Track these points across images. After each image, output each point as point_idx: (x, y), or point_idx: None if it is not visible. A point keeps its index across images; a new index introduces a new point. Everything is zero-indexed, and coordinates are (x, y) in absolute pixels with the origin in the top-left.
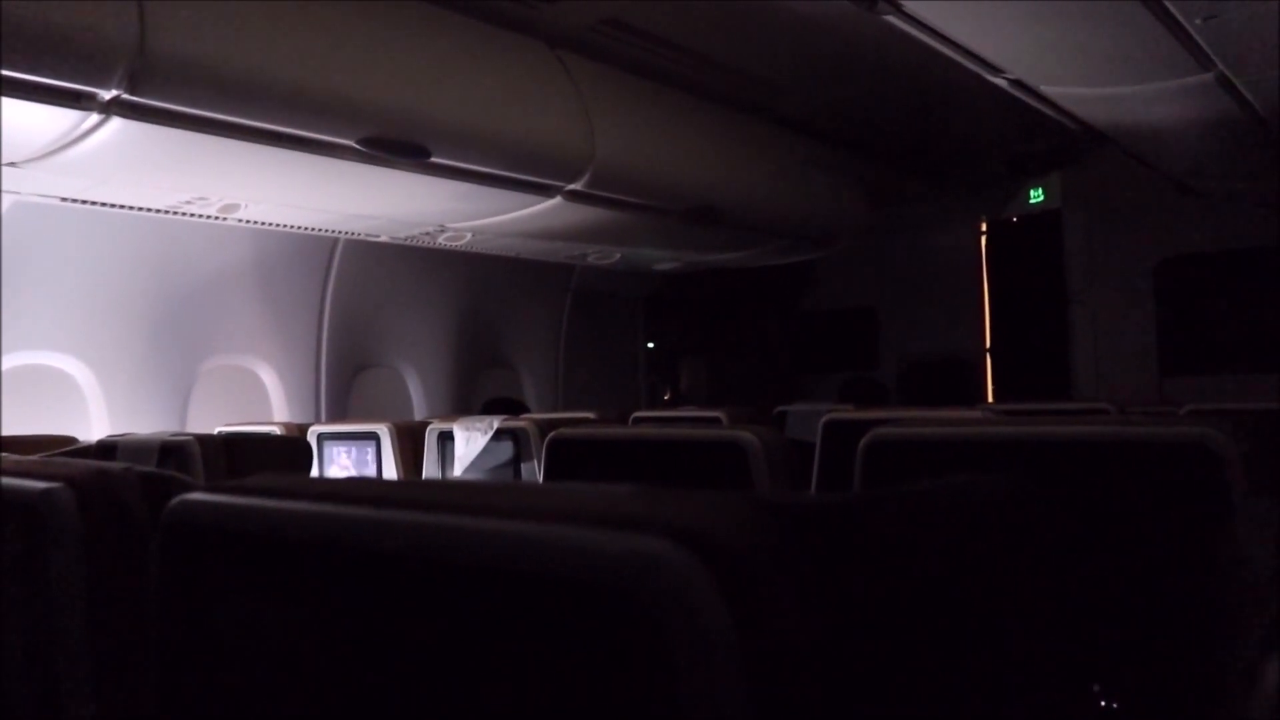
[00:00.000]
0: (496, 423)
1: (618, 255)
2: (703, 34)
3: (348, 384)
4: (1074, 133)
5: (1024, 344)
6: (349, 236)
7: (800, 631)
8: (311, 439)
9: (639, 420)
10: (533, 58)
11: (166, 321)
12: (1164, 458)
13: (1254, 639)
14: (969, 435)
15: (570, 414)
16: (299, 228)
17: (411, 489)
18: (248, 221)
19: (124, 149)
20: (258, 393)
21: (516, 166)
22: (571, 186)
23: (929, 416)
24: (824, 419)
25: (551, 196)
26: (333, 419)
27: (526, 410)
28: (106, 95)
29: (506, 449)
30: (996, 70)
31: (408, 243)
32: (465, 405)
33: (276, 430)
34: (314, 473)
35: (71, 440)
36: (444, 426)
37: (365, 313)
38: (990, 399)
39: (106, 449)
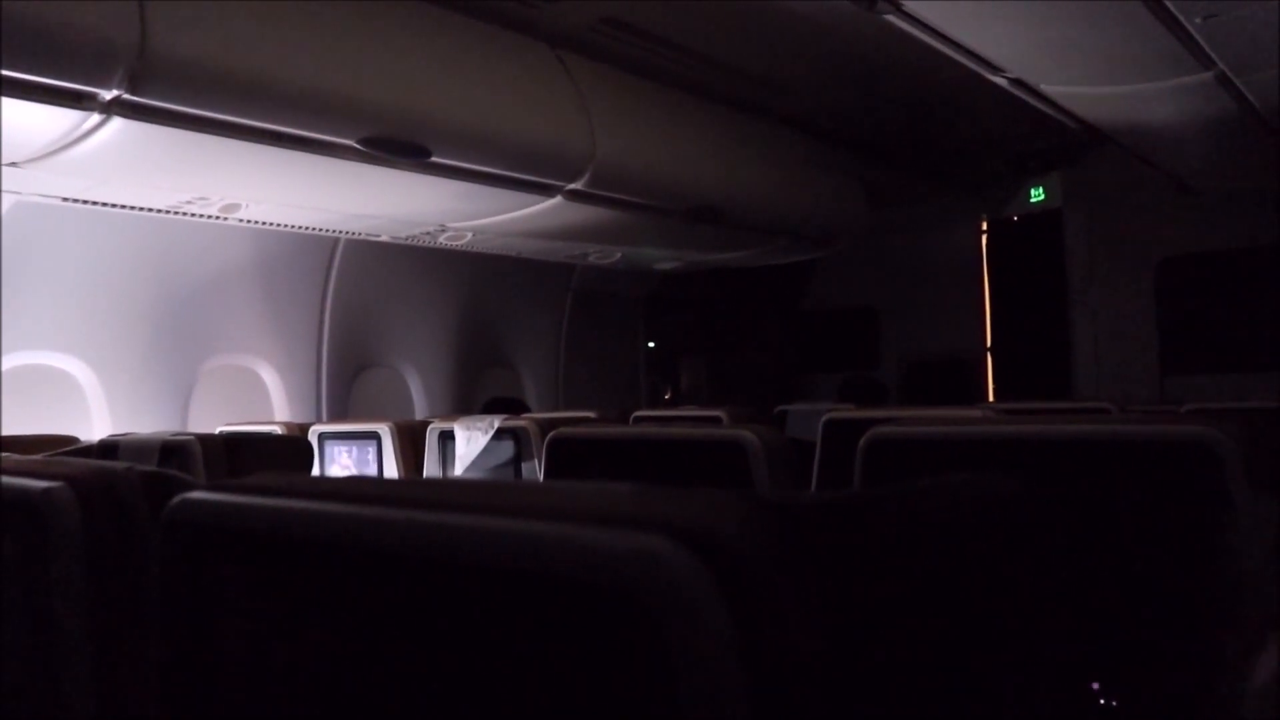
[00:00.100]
0: (497, 422)
1: (618, 255)
2: (703, 34)
3: (349, 384)
4: (1074, 132)
5: (1024, 343)
6: (350, 236)
7: (800, 630)
8: (312, 438)
9: (640, 419)
10: (533, 57)
11: (167, 321)
12: (1164, 457)
13: (1254, 637)
14: (969, 434)
15: (571, 413)
16: (300, 227)
17: (412, 488)
18: (249, 221)
19: (125, 149)
20: (259, 392)
21: (517, 166)
22: (572, 186)
23: (929, 416)
24: (824, 418)
25: (552, 196)
26: (334, 418)
27: (527, 410)
28: (107, 95)
29: (507, 448)
30: (996, 69)
31: (408, 242)
32: (466, 405)
33: (277, 430)
34: (315, 472)
35: (73, 440)
36: (445, 426)
37: (366, 312)
38: (991, 398)
39: (108, 449)
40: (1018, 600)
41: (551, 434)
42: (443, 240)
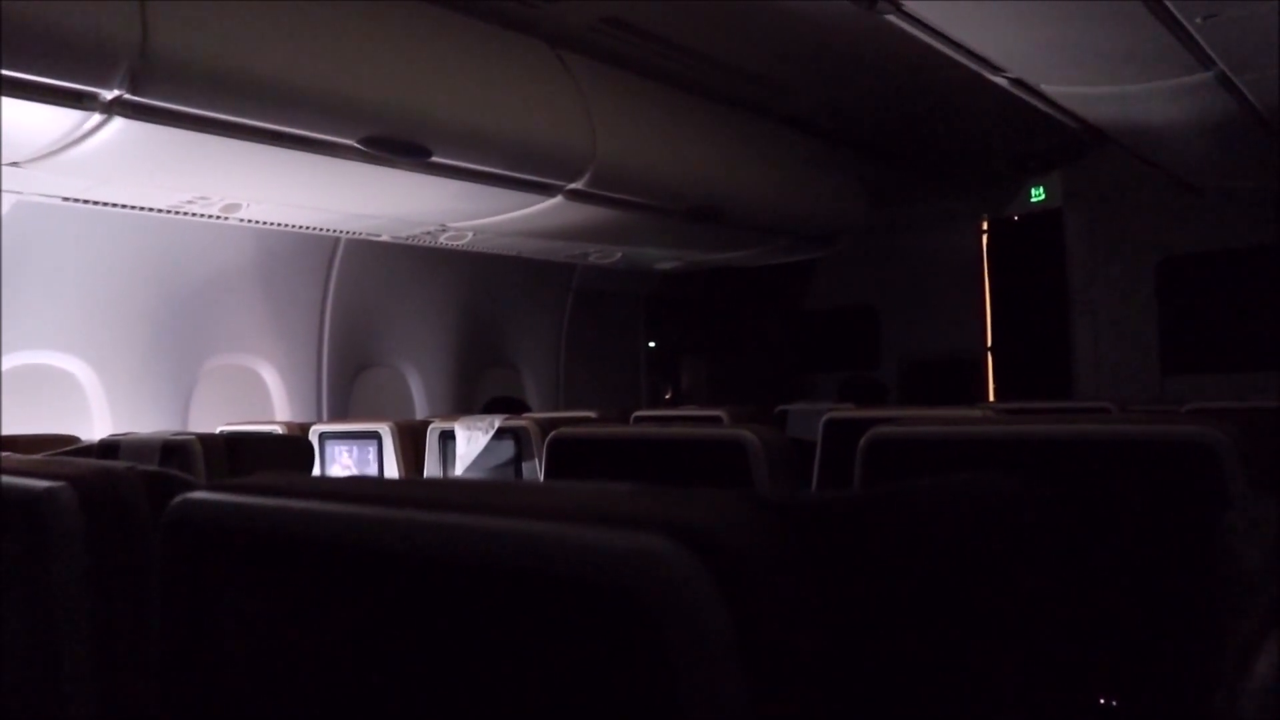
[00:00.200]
0: (498, 422)
1: (619, 254)
2: (703, 33)
3: (349, 383)
4: (1075, 131)
5: (1025, 343)
6: (350, 236)
7: (799, 629)
8: (313, 438)
9: (640, 419)
10: (534, 57)
11: (168, 321)
12: (1165, 456)
13: (1254, 636)
14: (970, 434)
15: (571, 413)
16: (300, 227)
17: (412, 487)
18: (249, 221)
19: (126, 149)
20: (259, 392)
21: (517, 166)
22: (573, 186)
23: (930, 415)
24: (825, 418)
25: (553, 196)
26: (334, 418)
27: (528, 409)
28: (108, 95)
29: (508, 448)
30: (997, 69)
31: (409, 242)
32: (467, 404)
33: (278, 429)
34: (315, 472)
35: (74, 440)
36: (445, 426)
37: (367, 312)
38: (991, 398)
39: (109, 448)
40: (1017, 600)
41: (552, 434)
42: (443, 240)
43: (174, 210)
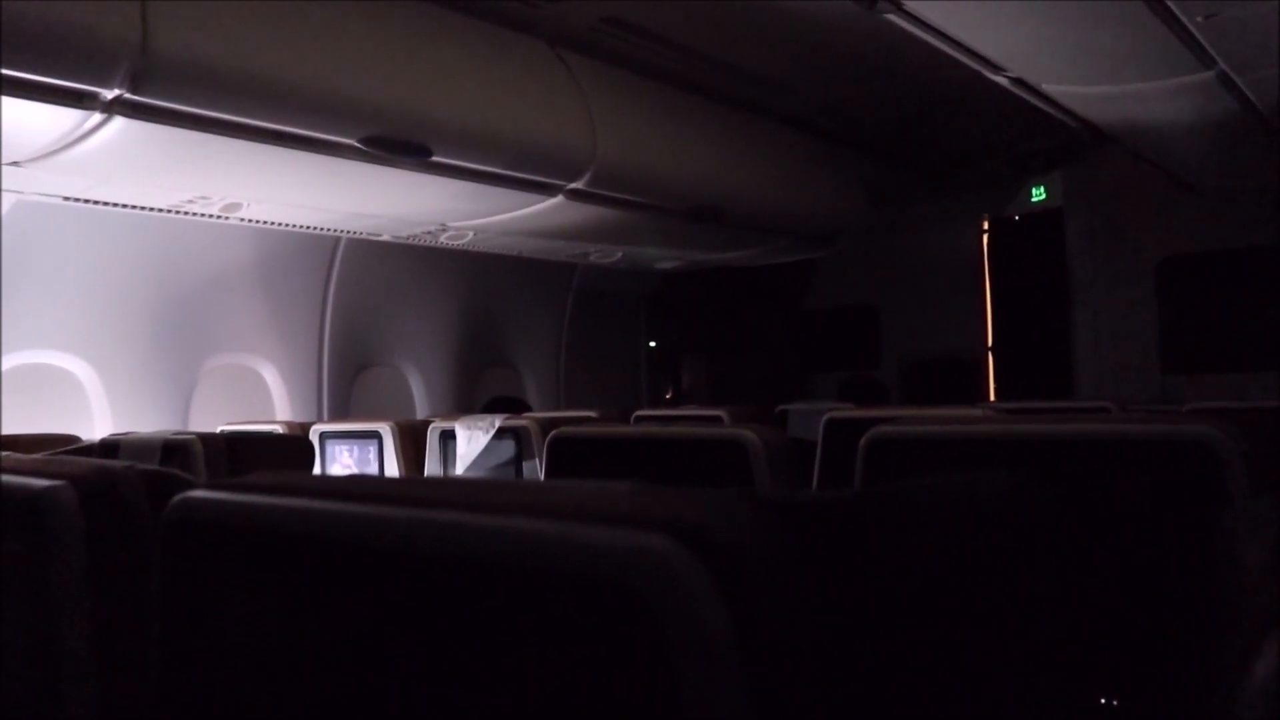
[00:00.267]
0: (498, 421)
1: (619, 254)
2: (704, 33)
3: (350, 383)
4: (1075, 131)
5: (1025, 343)
6: (351, 235)
7: (799, 628)
8: (314, 438)
9: (641, 419)
10: (534, 57)
11: (169, 320)
12: (1165, 456)
13: (1255, 636)
14: (970, 434)
15: (572, 413)
16: (301, 227)
17: (412, 486)
18: (250, 221)
19: (126, 148)
20: (260, 392)
21: (518, 165)
22: (573, 185)
23: (930, 415)
24: (825, 418)
25: (553, 195)
26: (335, 418)
27: (528, 409)
28: (109, 95)
29: (508, 448)
30: (997, 68)
31: (410, 242)
32: (467, 404)
33: (279, 429)
34: (316, 472)
35: (74, 439)
36: (446, 425)
37: (367, 311)
38: (992, 398)
39: (109, 448)
40: (1018, 599)
41: (552, 433)
42: (444, 240)
43: (174, 210)
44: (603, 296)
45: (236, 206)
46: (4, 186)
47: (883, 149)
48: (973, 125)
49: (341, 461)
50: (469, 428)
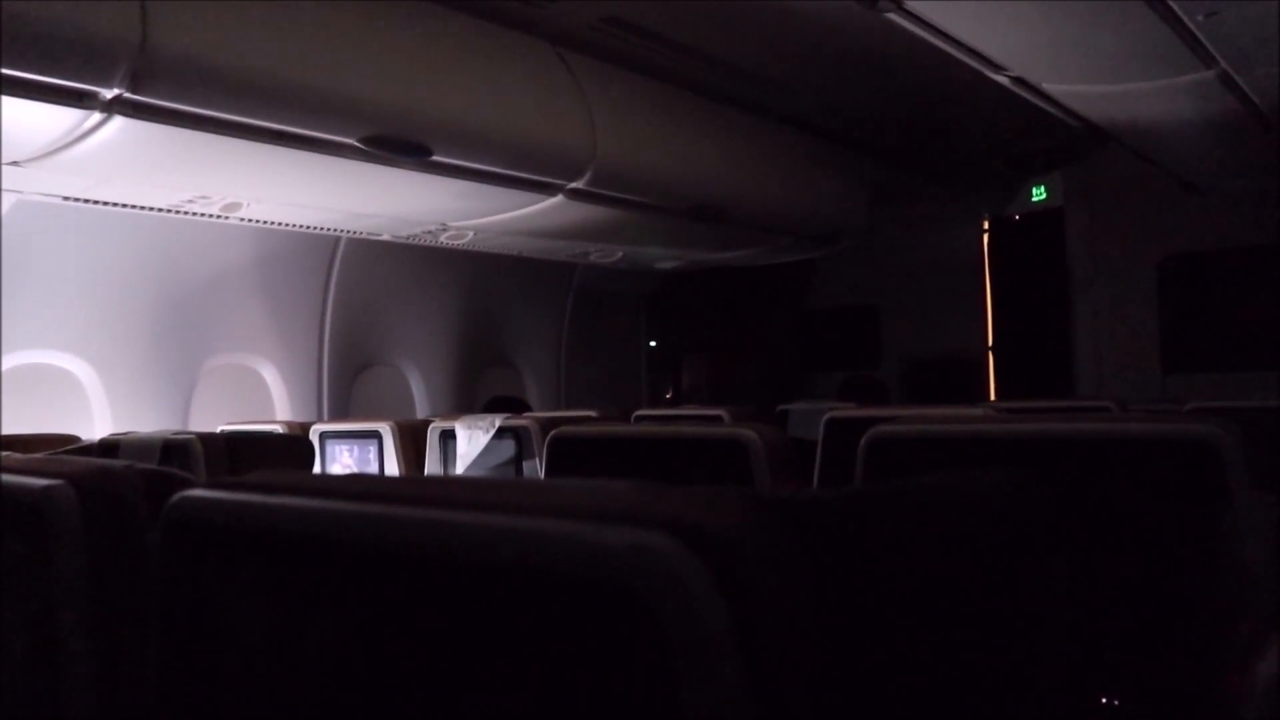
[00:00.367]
0: (498, 421)
1: (620, 254)
2: (705, 32)
3: (350, 382)
4: (1076, 130)
5: (1026, 342)
6: (351, 235)
7: (799, 626)
8: (314, 437)
9: (641, 419)
10: (535, 56)
11: (169, 320)
12: (1166, 455)
13: (1256, 635)
14: (971, 433)
15: (572, 412)
16: (301, 226)
17: (413, 485)
18: (250, 220)
19: (126, 148)
20: (260, 391)
21: (518, 165)
22: (573, 185)
23: (931, 414)
24: (826, 417)
25: (553, 195)
26: (335, 417)
27: (529, 409)
28: (108, 94)
29: (508, 447)
30: (998, 68)
31: (410, 241)
32: (467, 404)
33: (279, 429)
34: (316, 471)
35: (74, 439)
36: (446, 425)
37: (367, 311)
38: (992, 397)
39: (109, 448)
40: (1018, 598)
41: (553, 433)
42: (444, 239)
43: (174, 209)
44: (603, 296)
45: (236, 206)
46: (4, 186)
47: (883, 149)
48: (973, 125)
49: (341, 461)
50: (469, 427)
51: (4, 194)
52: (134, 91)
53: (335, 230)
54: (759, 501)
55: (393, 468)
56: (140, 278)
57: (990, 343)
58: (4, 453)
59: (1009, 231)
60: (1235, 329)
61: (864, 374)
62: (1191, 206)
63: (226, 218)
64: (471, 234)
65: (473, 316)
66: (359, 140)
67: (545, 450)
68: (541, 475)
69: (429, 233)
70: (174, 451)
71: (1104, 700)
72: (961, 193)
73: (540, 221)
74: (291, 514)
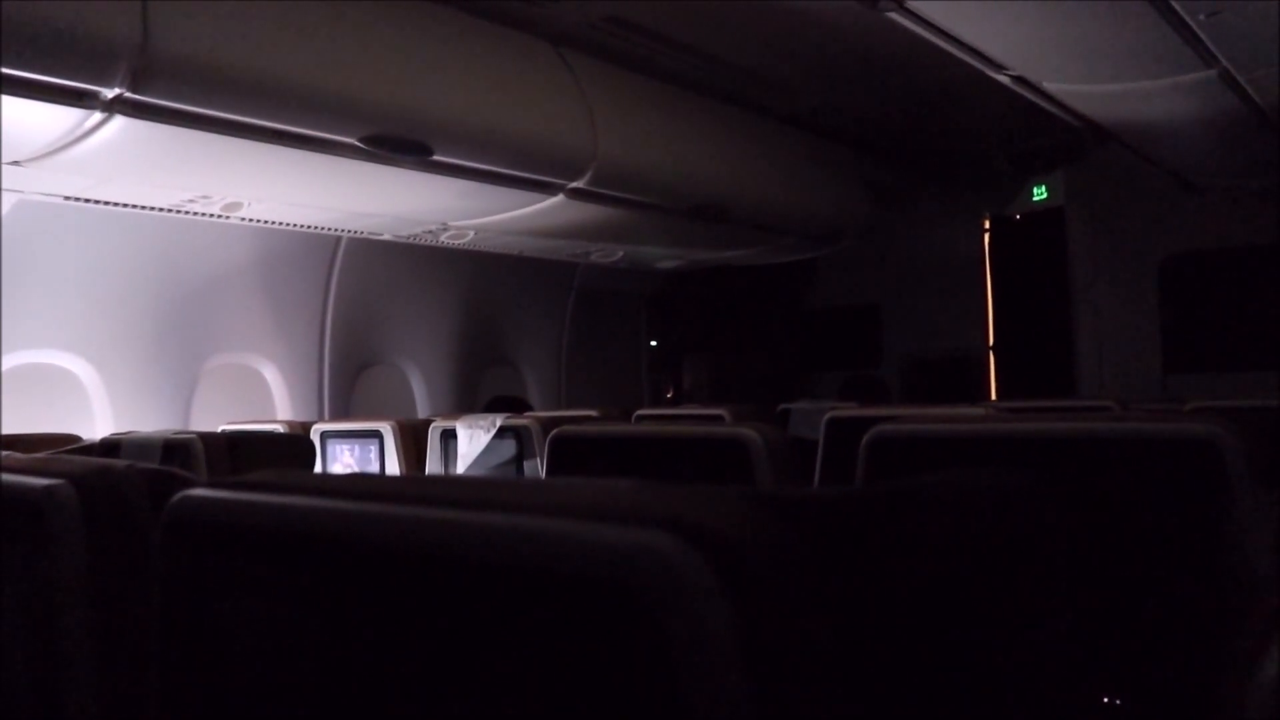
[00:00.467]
0: (499, 420)
1: (620, 253)
2: (706, 32)
3: (351, 382)
4: (1077, 130)
5: (1027, 341)
6: (352, 235)
7: (800, 625)
8: (315, 437)
9: (642, 418)
10: (535, 55)
11: (170, 320)
12: (1168, 454)
13: (1258, 634)
14: (972, 432)
15: (573, 412)
16: (302, 226)
17: (414, 484)
18: (250, 220)
19: (127, 147)
20: (261, 391)
21: (519, 164)
22: (574, 184)
23: (932, 414)
24: (827, 417)
25: (554, 194)
26: (336, 417)
27: (529, 408)
28: (109, 94)
29: (509, 447)
30: (999, 67)
31: (410, 241)
32: (468, 403)
33: (280, 428)
34: (317, 470)
35: (75, 439)
36: (447, 424)
37: (368, 311)
38: (994, 396)
39: (110, 447)
40: (1020, 598)
41: (554, 432)
42: (445, 239)
43: (175, 209)
44: (604, 296)
45: (237, 206)
46: (4, 186)
47: (884, 148)
48: (974, 124)
49: (342, 461)
50: (470, 427)
51: (5, 194)
52: (135, 91)
53: (336, 230)
54: (761, 501)
55: (394, 467)
56: (141, 277)
57: (991, 342)
58: (5, 452)
59: (1010, 231)
60: (1236, 328)
61: (865, 373)
62: (1193, 206)
63: (227, 217)
64: (472, 233)
65: (473, 316)
66: (360, 140)
67: (546, 450)
68: (543, 475)
69: (430, 232)
70: (175, 451)
71: (1105, 700)
72: (962, 192)
73: (541, 221)
74: (293, 514)
